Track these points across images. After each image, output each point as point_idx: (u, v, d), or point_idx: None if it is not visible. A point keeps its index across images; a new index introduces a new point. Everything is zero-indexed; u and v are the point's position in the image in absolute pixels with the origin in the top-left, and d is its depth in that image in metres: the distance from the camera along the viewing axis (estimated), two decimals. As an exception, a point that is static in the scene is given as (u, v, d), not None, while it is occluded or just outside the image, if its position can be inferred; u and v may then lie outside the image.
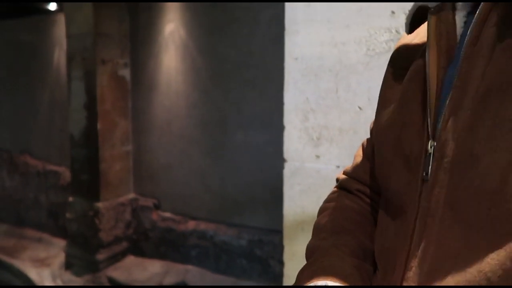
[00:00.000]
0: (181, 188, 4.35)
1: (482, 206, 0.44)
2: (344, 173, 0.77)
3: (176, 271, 4.19)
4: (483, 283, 0.43)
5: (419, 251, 0.49)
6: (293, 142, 1.46)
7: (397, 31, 1.26)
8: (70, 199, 4.52)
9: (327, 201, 0.75)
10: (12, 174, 5.75)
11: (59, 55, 5.05)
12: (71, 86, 4.39)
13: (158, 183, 4.50)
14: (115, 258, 4.42)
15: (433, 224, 0.48)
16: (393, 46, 1.26)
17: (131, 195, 4.61)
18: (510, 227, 0.42)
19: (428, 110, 0.51)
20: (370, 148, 0.72)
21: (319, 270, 0.59)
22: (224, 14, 3.91)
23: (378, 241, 0.63)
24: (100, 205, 4.27)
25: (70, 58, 4.37)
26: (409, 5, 0.59)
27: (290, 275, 1.51)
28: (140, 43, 4.43)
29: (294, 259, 1.49)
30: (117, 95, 4.40)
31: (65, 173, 4.98)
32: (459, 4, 0.53)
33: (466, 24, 0.52)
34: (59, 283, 4.27)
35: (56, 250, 4.81)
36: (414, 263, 0.50)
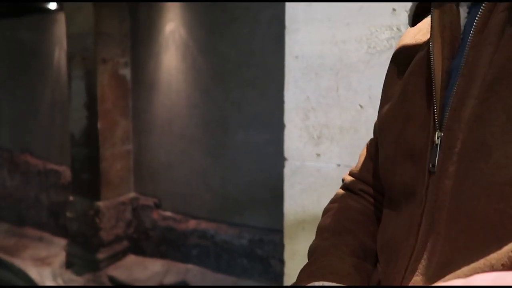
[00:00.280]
0: (182, 187, 4.35)
1: (491, 199, 0.43)
2: (350, 173, 0.77)
3: (176, 270, 4.19)
4: (487, 269, 0.43)
5: (428, 244, 0.49)
6: (294, 141, 1.46)
7: (398, 29, 1.25)
8: (71, 198, 4.52)
9: (331, 202, 0.75)
10: (12, 173, 5.75)
11: (60, 55, 5.05)
12: (71, 86, 4.39)
13: (159, 182, 4.50)
14: (116, 257, 4.42)
15: (440, 217, 0.48)
16: (394, 44, 1.26)
17: (132, 194, 4.61)
18: None
19: (434, 101, 0.50)
20: (373, 148, 0.72)
21: (317, 270, 0.60)
22: (225, 14, 3.90)
23: (380, 235, 0.63)
24: (100, 204, 4.27)
25: (70, 58, 4.37)
26: (410, 3, 0.59)
27: (290, 274, 1.50)
28: (141, 42, 4.43)
29: (294, 258, 1.48)
30: (118, 94, 4.40)
31: (66, 172, 4.99)
32: None
33: (470, 15, 0.51)
34: (60, 282, 4.28)
35: (57, 249, 4.81)
36: (423, 256, 0.49)
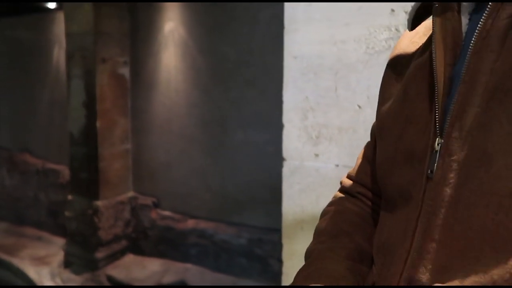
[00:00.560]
0: (181, 187, 4.35)
1: (489, 209, 0.43)
2: (347, 176, 0.77)
3: (175, 270, 4.19)
4: (489, 284, 0.43)
5: (423, 249, 0.49)
6: (293, 141, 1.46)
7: (396, 29, 1.26)
8: (70, 197, 4.51)
9: (329, 205, 0.76)
10: (11, 172, 5.75)
11: (59, 54, 5.05)
12: (70, 85, 4.38)
13: (158, 182, 4.49)
14: (114, 257, 4.42)
15: (436, 222, 0.48)
16: (392, 44, 1.26)
17: (131, 194, 4.61)
18: None
19: (435, 107, 0.50)
20: (370, 150, 0.72)
21: (313, 273, 0.60)
22: (224, 13, 3.90)
23: (377, 236, 0.63)
24: (99, 203, 4.27)
25: (69, 57, 4.36)
26: (409, 3, 0.59)
27: (289, 274, 1.50)
28: (140, 41, 4.42)
29: (293, 258, 1.49)
30: (117, 93, 4.39)
31: (65, 172, 4.98)
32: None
33: (471, 21, 0.51)
34: (58, 282, 4.27)
35: (55, 248, 4.81)
36: (418, 261, 0.49)
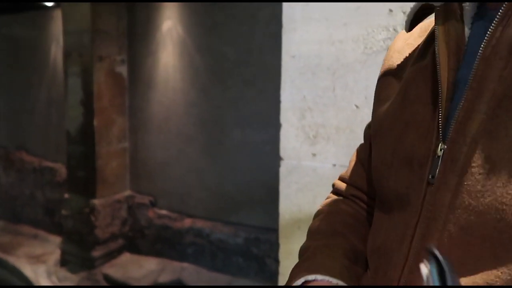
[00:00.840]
0: (178, 186, 4.34)
1: (492, 216, 0.43)
2: (340, 178, 0.77)
3: (172, 269, 4.18)
4: None
5: (421, 255, 0.48)
6: (290, 140, 1.46)
7: (394, 29, 1.26)
8: (66, 195, 4.50)
9: (322, 205, 0.75)
10: (8, 170, 5.73)
11: (56, 51, 5.03)
12: (68, 83, 4.37)
13: (155, 181, 4.49)
14: (111, 255, 4.41)
15: (435, 228, 0.48)
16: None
17: (127, 192, 4.60)
18: None
19: (439, 112, 0.50)
20: (364, 153, 0.71)
21: (310, 267, 0.59)
22: (223, 12, 3.90)
23: (371, 239, 0.62)
24: (96, 202, 4.26)
25: (67, 55, 4.35)
26: (407, 3, 0.59)
27: (285, 273, 1.50)
28: (138, 40, 4.41)
29: (290, 258, 1.48)
30: (114, 92, 4.38)
31: (61, 170, 4.97)
32: (466, 4, 0.52)
33: (473, 26, 0.51)
34: (54, 280, 4.26)
35: (52, 246, 4.80)
36: (416, 267, 0.49)
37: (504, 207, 0.42)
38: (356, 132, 1.34)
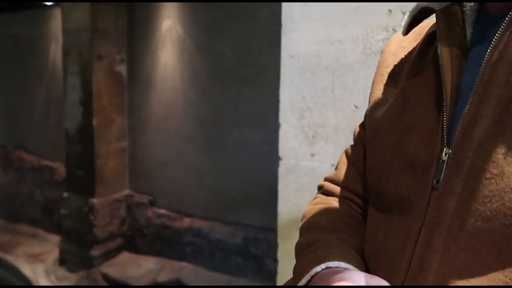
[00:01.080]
0: (177, 185, 4.34)
1: (500, 222, 0.43)
2: (329, 180, 0.74)
3: (170, 268, 4.18)
4: None
5: (425, 261, 0.48)
6: (289, 140, 1.46)
7: (394, 30, 1.26)
8: (65, 195, 4.50)
9: (314, 204, 0.72)
10: (7, 169, 5.72)
11: (55, 50, 5.03)
12: (67, 82, 4.37)
13: (154, 180, 4.49)
14: (110, 255, 4.41)
15: (439, 233, 0.47)
16: (390, 45, 1.25)
17: (126, 192, 4.60)
18: None
19: (443, 116, 0.49)
20: (356, 155, 0.70)
21: (328, 255, 0.54)
22: (222, 12, 3.89)
23: (369, 242, 0.60)
24: (95, 201, 4.26)
25: (66, 54, 4.35)
26: (407, 4, 0.58)
27: (284, 273, 1.50)
28: (137, 39, 4.41)
29: (288, 258, 1.48)
30: (113, 91, 4.38)
31: (60, 169, 4.96)
32: (467, 8, 0.51)
33: (475, 29, 0.51)
34: (53, 279, 4.26)
35: (51, 246, 4.80)
36: (419, 273, 0.48)
37: None
38: (355, 132, 1.34)
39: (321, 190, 0.75)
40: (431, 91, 0.53)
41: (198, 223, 4.18)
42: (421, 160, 0.51)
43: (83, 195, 4.32)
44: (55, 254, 4.59)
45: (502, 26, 0.45)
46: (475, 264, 0.44)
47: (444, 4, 0.51)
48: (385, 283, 0.45)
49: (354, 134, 0.74)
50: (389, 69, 0.64)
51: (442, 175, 0.48)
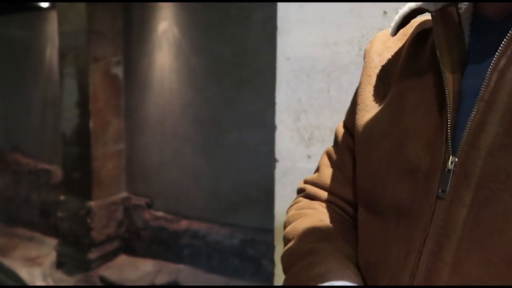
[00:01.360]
0: (174, 187, 4.33)
1: None
2: (310, 183, 0.71)
3: (168, 270, 4.17)
4: None
5: (433, 273, 0.46)
6: (285, 142, 1.45)
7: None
8: (62, 197, 4.49)
9: (298, 208, 0.68)
10: (3, 172, 5.70)
11: (52, 53, 5.02)
12: (63, 84, 4.36)
13: (151, 182, 4.48)
14: (107, 257, 4.40)
15: (449, 245, 0.45)
16: (385, 47, 1.25)
17: (123, 194, 4.59)
18: None
19: (447, 123, 0.47)
20: (340, 158, 0.67)
21: (330, 273, 0.53)
22: (218, 13, 3.89)
23: (364, 251, 0.58)
24: (92, 204, 4.25)
25: (62, 56, 4.34)
26: (401, 5, 0.57)
27: (281, 275, 1.49)
28: (134, 41, 4.41)
29: (285, 260, 1.48)
30: (110, 93, 4.37)
31: (57, 172, 4.95)
32: (462, 10, 0.50)
33: (473, 33, 0.50)
34: (50, 283, 4.24)
35: (48, 249, 4.78)
36: (427, 285, 0.46)
37: None
38: (351, 134, 1.34)
39: (303, 193, 0.72)
40: (430, 95, 0.51)
41: (196, 225, 4.18)
42: (423, 168, 0.49)
43: (80, 197, 4.31)
44: (52, 257, 4.58)
45: (510, 32, 0.44)
46: (489, 277, 0.43)
47: (439, 4, 0.49)
48: None
49: (336, 134, 0.70)
50: (376, 70, 0.62)
51: (448, 184, 0.46)
